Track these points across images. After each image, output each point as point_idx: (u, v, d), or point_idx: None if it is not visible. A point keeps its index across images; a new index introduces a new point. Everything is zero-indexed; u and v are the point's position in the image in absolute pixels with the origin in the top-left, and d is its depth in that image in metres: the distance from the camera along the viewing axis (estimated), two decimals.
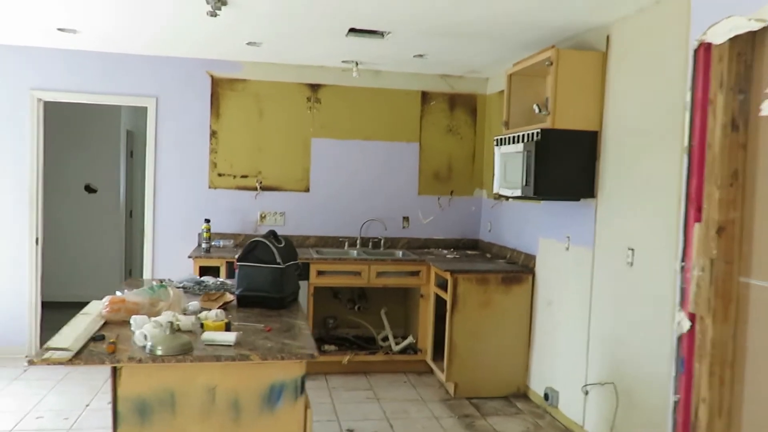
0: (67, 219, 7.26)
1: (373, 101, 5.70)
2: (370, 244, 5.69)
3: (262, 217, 5.57)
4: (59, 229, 7.09)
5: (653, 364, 3.26)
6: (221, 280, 3.63)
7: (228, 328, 2.55)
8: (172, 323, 2.32)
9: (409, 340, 5.32)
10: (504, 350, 4.73)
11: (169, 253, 5.42)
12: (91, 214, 7.40)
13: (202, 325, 2.55)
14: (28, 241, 5.25)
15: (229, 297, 3.08)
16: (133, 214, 7.93)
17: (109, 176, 7.45)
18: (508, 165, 4.40)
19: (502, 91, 5.46)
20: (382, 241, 5.70)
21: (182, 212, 5.45)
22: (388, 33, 4.25)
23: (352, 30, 4.19)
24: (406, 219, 5.82)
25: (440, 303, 5.01)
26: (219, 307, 2.93)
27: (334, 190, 5.68)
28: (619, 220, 3.66)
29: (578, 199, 4.01)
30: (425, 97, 5.79)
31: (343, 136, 5.67)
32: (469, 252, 5.70)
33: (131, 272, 7.94)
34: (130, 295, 2.69)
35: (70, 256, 7.31)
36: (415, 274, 5.17)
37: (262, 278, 2.99)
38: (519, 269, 4.79)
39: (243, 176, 5.53)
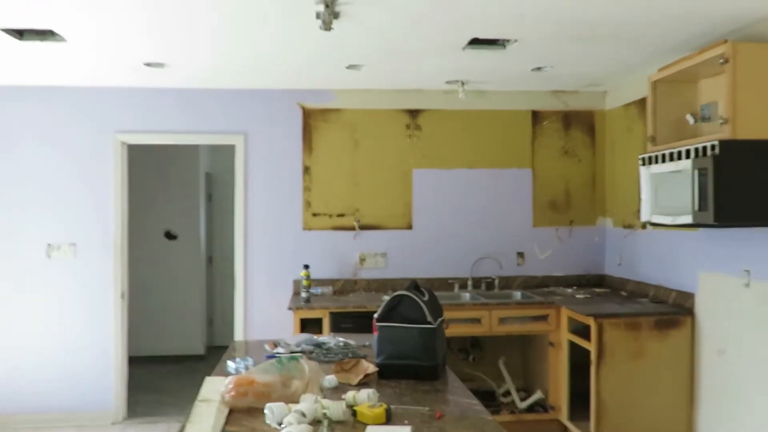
0: (148, 268, 6.90)
1: (479, 125, 5.11)
2: (483, 285, 5.03)
3: (362, 260, 5.01)
4: (140, 279, 6.73)
5: None
6: (342, 340, 3.05)
7: (388, 415, 1.94)
8: (325, 415, 1.73)
9: (538, 395, 4.60)
10: (663, 408, 3.95)
11: (263, 304, 4.91)
12: (171, 262, 7.03)
13: (354, 413, 1.96)
14: (113, 296, 4.85)
15: (366, 365, 2.48)
16: (212, 260, 7.54)
17: (188, 221, 7.09)
18: (661, 187, 3.70)
19: (626, 105, 4.81)
20: (496, 281, 5.03)
21: (275, 258, 4.95)
22: (512, 42, 3.66)
23: (473, 41, 3.63)
24: (520, 255, 5.15)
25: (574, 352, 4.30)
26: (360, 382, 2.34)
27: (440, 225, 5.07)
28: None
29: None
30: (536, 116, 5.16)
31: (447, 165, 5.09)
32: (596, 290, 4.96)
33: (212, 322, 7.52)
34: (259, 374, 2.13)
35: (151, 307, 6.94)
36: (542, 318, 4.47)
37: (411, 342, 2.38)
38: (674, 311, 4.03)
39: (339, 215, 5.00)
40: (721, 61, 3.18)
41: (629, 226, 4.81)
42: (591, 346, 3.95)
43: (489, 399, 4.76)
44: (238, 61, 4.10)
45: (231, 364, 2.63)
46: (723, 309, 3.70)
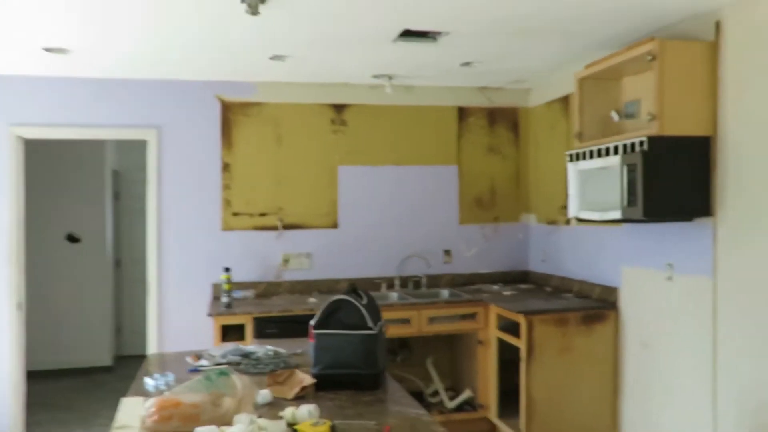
0: (49, 274, 6.35)
1: (406, 121, 5.00)
2: (410, 284, 4.94)
3: (286, 261, 4.79)
4: (40, 286, 6.16)
5: None
6: (271, 348, 2.84)
7: None
8: None
9: (467, 394, 4.56)
10: (589, 402, 4.00)
11: (179, 310, 4.59)
12: (74, 266, 6.51)
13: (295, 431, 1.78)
14: (8, 307, 4.37)
15: (302, 376, 2.30)
16: (120, 264, 7.05)
17: (93, 223, 6.58)
18: (589, 183, 3.73)
19: (549, 102, 4.86)
20: (424, 280, 4.95)
21: (192, 261, 4.63)
22: (444, 34, 3.57)
23: (404, 34, 3.51)
24: (447, 252, 5.10)
25: (503, 349, 4.28)
26: (297, 395, 2.15)
27: (366, 224, 4.93)
28: (754, 242, 3.00)
29: (691, 219, 3.34)
30: (462, 113, 5.12)
31: (373, 162, 4.95)
32: (521, 286, 4.99)
33: (120, 330, 7.04)
34: (184, 393, 1.90)
35: (52, 316, 6.39)
36: (471, 317, 4.43)
37: (351, 349, 2.22)
38: (599, 305, 4.09)
39: (261, 214, 4.75)
40: (649, 58, 3.22)
41: (553, 222, 4.86)
42: (521, 343, 3.93)
43: (417, 400, 4.65)
44: (151, 50, 3.78)
45: (150, 382, 2.37)
46: (646, 302, 3.78)
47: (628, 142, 3.30)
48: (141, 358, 4.89)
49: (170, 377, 2.43)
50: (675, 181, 3.21)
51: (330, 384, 2.23)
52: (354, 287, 2.41)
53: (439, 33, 3.58)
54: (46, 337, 6.30)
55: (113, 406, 5.59)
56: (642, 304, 3.83)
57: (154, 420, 1.80)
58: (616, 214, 3.40)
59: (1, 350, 4.37)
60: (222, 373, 2.03)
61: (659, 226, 3.64)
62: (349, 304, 2.28)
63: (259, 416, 1.87)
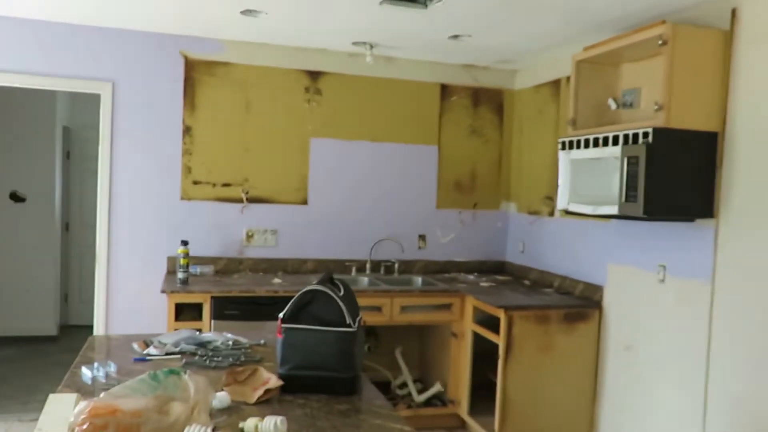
0: None
1: (385, 94, 4.67)
2: (382, 268, 4.65)
3: (249, 236, 4.44)
4: None
5: None
6: (230, 336, 2.53)
7: None
8: None
9: (436, 388, 4.32)
10: (567, 403, 3.81)
11: (129, 284, 4.21)
12: (18, 228, 6.02)
13: None
14: None
15: (266, 376, 1.99)
16: (69, 227, 6.58)
17: (40, 182, 6.09)
18: (581, 174, 3.49)
19: (537, 86, 4.62)
20: (396, 265, 4.67)
21: (146, 230, 4.24)
22: (437, 1, 3.25)
23: None
24: (422, 238, 4.82)
25: (477, 343, 4.05)
26: (260, 400, 1.85)
27: (338, 202, 4.61)
28: (758, 247, 2.80)
29: (693, 220, 3.12)
30: (445, 91, 4.81)
31: (348, 136, 4.61)
32: (498, 277, 4.76)
33: (67, 298, 6.59)
34: (124, 397, 1.57)
35: None
36: (446, 307, 4.17)
37: (325, 348, 1.92)
38: (583, 303, 3.88)
39: (225, 185, 4.38)
40: (660, 42, 2.96)
41: (535, 213, 4.62)
42: (499, 340, 3.69)
43: (384, 391, 4.39)
44: None
45: (86, 373, 2.04)
46: (633, 303, 3.58)
47: (630, 132, 3.05)
48: (89, 328, 4.52)
49: (111, 367, 2.10)
50: (678, 178, 2.99)
51: (298, 387, 1.93)
52: (330, 276, 2.10)
53: None
54: None
55: (55, 381, 5.17)
56: (628, 304, 3.63)
57: (84, 429, 1.47)
58: (611, 210, 3.16)
59: None
60: (172, 372, 1.70)
61: (654, 225, 3.43)
62: (325, 295, 1.97)
63: (215, 428, 1.56)
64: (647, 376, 3.44)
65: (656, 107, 2.98)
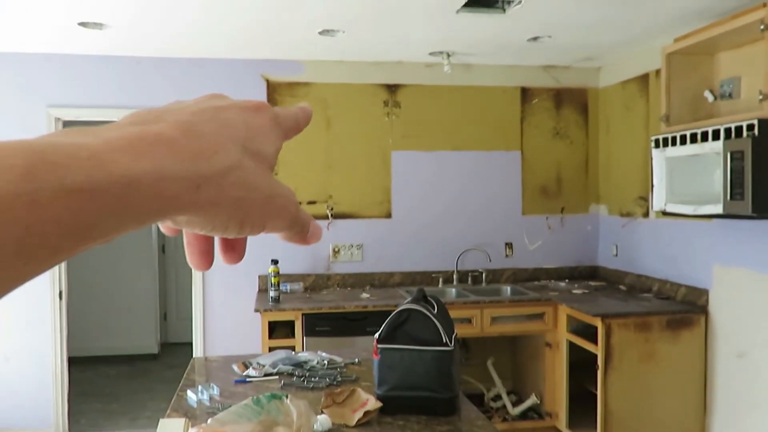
0: (92, 259, 6.21)
1: (464, 102, 4.61)
2: (469, 278, 4.58)
3: (336, 252, 4.49)
4: (83, 271, 6.04)
5: None
6: (325, 355, 2.55)
7: None
8: None
9: (532, 400, 4.19)
10: (674, 416, 3.59)
11: (224, 303, 4.35)
12: (118, 251, 6.36)
13: None
14: (50, 296, 4.20)
15: (365, 397, 1.98)
16: (165, 249, 6.89)
17: None
18: (678, 172, 3.30)
19: (624, 82, 4.42)
20: (484, 275, 4.59)
21: None
22: (515, 4, 3.17)
23: (470, 2, 3.13)
24: (509, 245, 4.71)
25: (573, 353, 3.90)
26: (360, 422, 1.84)
27: (421, 213, 4.58)
28: None
29: None
30: (525, 94, 4.70)
31: (428, 147, 4.59)
32: (591, 283, 4.57)
33: (166, 317, 6.90)
34: (230, 423, 1.60)
35: (97, 301, 6.27)
36: (538, 317, 4.05)
37: (423, 369, 1.89)
38: (686, 308, 3.66)
39: (310, 202, 4.45)
40: (762, 27, 2.76)
41: (628, 215, 4.42)
42: (598, 350, 3.54)
43: (477, 404, 4.31)
44: (196, 27, 3.50)
45: (191, 396, 2.10)
46: (744, 307, 3.34)
47: (732, 125, 2.86)
48: (187, 345, 4.71)
49: (215, 390, 2.16)
50: None
51: (397, 408, 1.91)
52: (423, 293, 2.07)
53: (509, 1, 3.18)
54: (91, 324, 6.18)
55: (160, 398, 5.42)
56: (738, 309, 3.39)
57: None
58: (715, 209, 2.97)
59: (43, 339, 4.21)
60: (274, 396, 1.72)
61: (763, 223, 3.19)
62: (419, 314, 1.95)
63: None
64: (764, 385, 3.20)
65: (761, 97, 2.78)
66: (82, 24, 3.40)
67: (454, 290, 4.39)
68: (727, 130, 2.89)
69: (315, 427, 1.76)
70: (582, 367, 3.82)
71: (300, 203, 0.41)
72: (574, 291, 4.26)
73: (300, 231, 0.40)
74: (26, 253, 0.27)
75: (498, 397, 4.38)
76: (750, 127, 2.75)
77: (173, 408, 2.03)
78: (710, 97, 3.40)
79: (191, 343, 4.39)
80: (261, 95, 4.37)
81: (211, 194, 0.33)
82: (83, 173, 0.28)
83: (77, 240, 0.28)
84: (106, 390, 5.46)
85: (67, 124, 4.28)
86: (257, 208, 0.36)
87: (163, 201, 0.31)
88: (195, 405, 2.06)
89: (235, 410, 1.68)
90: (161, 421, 1.85)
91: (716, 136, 2.96)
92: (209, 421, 1.63)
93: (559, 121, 4.75)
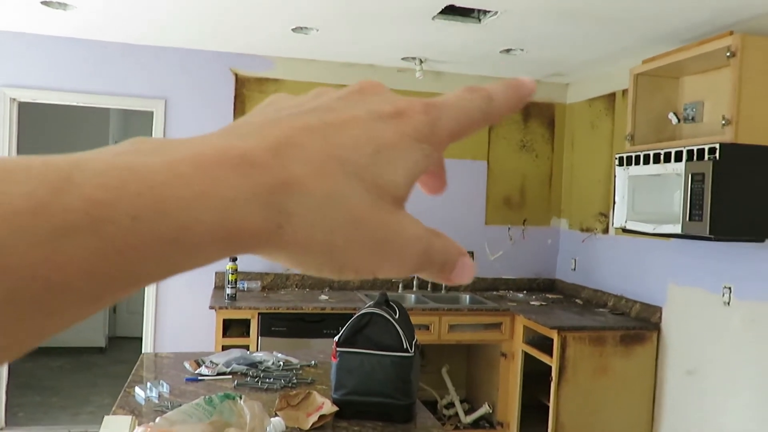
0: None
1: None
2: (429, 285, 4.57)
3: None
4: None
5: None
6: (281, 356, 2.49)
7: None
8: None
9: (484, 409, 4.20)
10: (622, 429, 3.65)
11: (178, 299, 4.23)
12: None
13: None
14: None
15: (320, 400, 1.94)
16: None
17: None
18: (640, 190, 3.36)
19: (591, 100, 4.48)
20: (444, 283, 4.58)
21: None
22: (491, 14, 3.18)
23: (447, 9, 3.12)
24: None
25: (527, 364, 3.93)
26: (314, 426, 1.79)
27: None
28: None
29: (763, 240, 2.96)
30: None
31: None
32: (549, 296, 4.62)
33: (115, 309, 6.71)
34: (179, 423, 1.54)
35: None
36: (496, 327, 4.07)
37: (382, 374, 1.86)
38: (640, 325, 3.72)
39: None
40: (728, 54, 2.83)
41: (588, 230, 4.48)
42: (552, 361, 3.57)
43: (431, 411, 4.30)
44: (163, 14, 3.40)
45: (140, 393, 2.02)
46: (696, 326, 3.41)
47: (694, 148, 2.92)
48: (136, 340, 4.57)
49: (164, 388, 2.08)
50: (747, 196, 2.84)
51: (353, 413, 1.87)
52: (386, 297, 2.05)
53: (485, 12, 3.19)
54: None
55: (104, 393, 5.24)
56: (690, 327, 3.46)
57: None
58: (674, 229, 3.03)
59: None
60: (227, 396, 1.67)
61: (718, 245, 3.27)
62: (381, 318, 1.92)
63: None
64: (712, 403, 3.27)
65: (723, 122, 2.85)
66: (45, 2, 3.27)
67: (413, 296, 4.38)
68: (690, 152, 2.95)
69: (268, 429, 1.71)
70: (535, 378, 3.84)
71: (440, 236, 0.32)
72: (532, 302, 4.29)
73: (438, 273, 0.32)
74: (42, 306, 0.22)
75: (451, 405, 4.38)
76: (712, 151, 2.82)
77: (119, 405, 1.95)
78: (674, 120, 3.47)
79: (141, 338, 4.27)
80: (230, 88, 4.29)
81: (297, 236, 0.26)
82: (128, 217, 0.22)
83: (109, 290, 0.23)
84: (46, 383, 5.26)
85: (23, 105, 4.12)
86: (363, 253, 0.28)
87: (230, 245, 0.25)
88: (143, 402, 1.98)
89: (186, 409, 1.62)
90: (106, 418, 1.77)
91: (679, 157, 3.01)
92: (158, 419, 1.56)
93: (527, 133, 4.80)
